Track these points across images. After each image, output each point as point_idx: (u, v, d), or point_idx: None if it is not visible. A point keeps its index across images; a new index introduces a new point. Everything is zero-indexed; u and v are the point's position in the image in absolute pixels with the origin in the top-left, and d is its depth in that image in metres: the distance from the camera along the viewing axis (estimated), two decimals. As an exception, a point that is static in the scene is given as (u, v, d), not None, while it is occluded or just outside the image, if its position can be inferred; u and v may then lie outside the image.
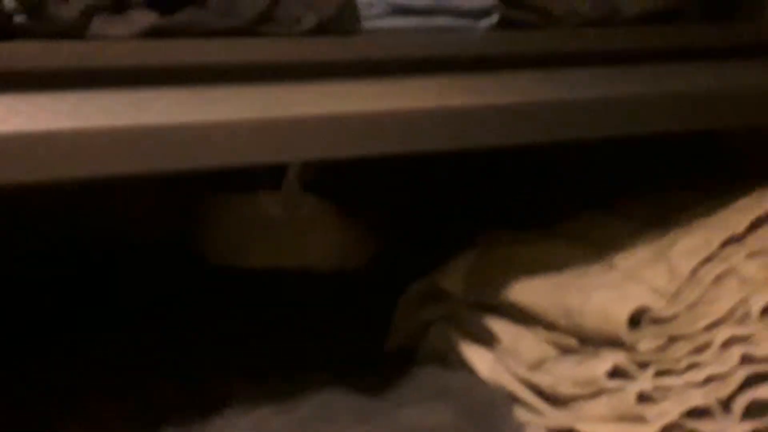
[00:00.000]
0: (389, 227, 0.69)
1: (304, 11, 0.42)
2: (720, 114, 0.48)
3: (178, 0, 0.42)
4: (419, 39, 0.45)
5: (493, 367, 0.54)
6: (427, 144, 0.41)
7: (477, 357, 0.55)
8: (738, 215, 0.54)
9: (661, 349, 0.50)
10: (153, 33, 0.39)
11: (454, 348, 0.56)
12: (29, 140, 0.33)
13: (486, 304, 0.56)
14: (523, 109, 0.43)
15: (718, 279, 0.52)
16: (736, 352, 0.50)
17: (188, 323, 0.61)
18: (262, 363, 0.57)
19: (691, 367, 0.50)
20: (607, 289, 0.51)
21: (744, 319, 0.51)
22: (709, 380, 0.49)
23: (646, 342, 0.50)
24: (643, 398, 0.48)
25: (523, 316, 0.54)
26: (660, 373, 0.49)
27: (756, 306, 0.51)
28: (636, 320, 0.50)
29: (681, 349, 0.50)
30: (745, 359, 0.50)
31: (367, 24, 0.46)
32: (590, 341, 0.51)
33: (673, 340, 0.50)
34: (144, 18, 0.41)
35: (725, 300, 0.51)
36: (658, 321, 0.50)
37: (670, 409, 0.48)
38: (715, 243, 0.52)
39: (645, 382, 0.49)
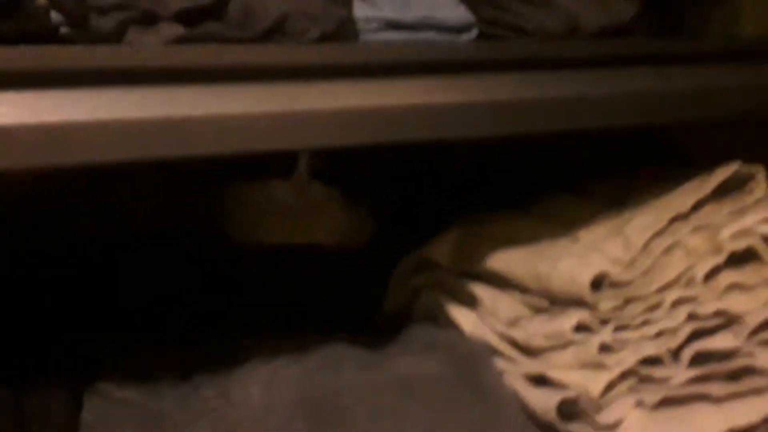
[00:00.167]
0: (386, 210, 0.70)
1: (309, 25, 0.43)
2: (662, 111, 0.49)
3: (200, 14, 0.42)
4: (409, 46, 0.45)
5: (475, 325, 0.55)
6: (415, 135, 0.42)
7: (462, 316, 0.55)
8: (684, 197, 0.54)
9: (619, 308, 0.50)
10: (179, 42, 0.39)
11: (442, 309, 0.57)
12: (72, 129, 0.34)
13: (469, 272, 0.56)
14: (497, 106, 0.44)
15: (667, 250, 0.52)
16: (683, 311, 0.50)
17: (214, 291, 0.61)
18: (278, 323, 0.58)
19: (645, 323, 0.50)
20: (573, 258, 0.52)
21: (689, 283, 0.52)
22: (660, 334, 0.50)
23: (606, 302, 0.50)
24: (603, 349, 0.49)
25: (500, 282, 0.54)
26: (618, 328, 0.50)
27: (700, 272, 0.52)
28: (597, 284, 0.50)
29: (636, 308, 0.50)
30: (691, 317, 0.51)
31: (364, 37, 0.46)
32: (558, 302, 0.52)
33: (629, 300, 0.51)
34: (171, 30, 0.42)
35: (673, 267, 0.52)
36: (616, 285, 0.51)
37: (627, 358, 0.48)
38: (665, 220, 0.53)
39: (605, 335, 0.49)
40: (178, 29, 0.42)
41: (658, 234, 0.52)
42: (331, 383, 0.49)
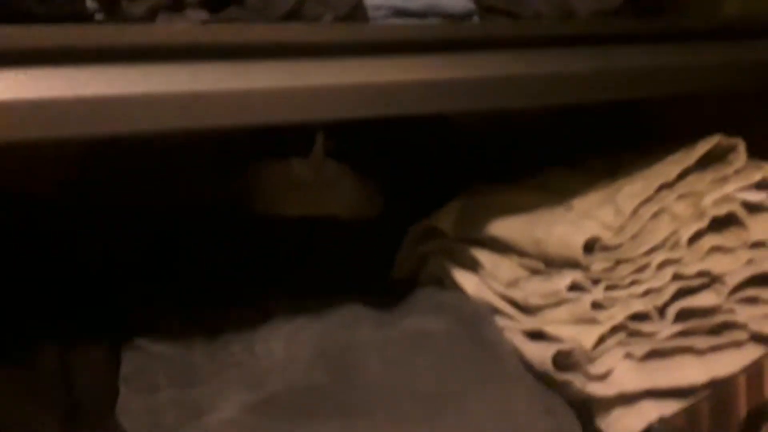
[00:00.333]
0: (394, 185, 0.69)
1: (323, 10, 0.42)
2: (648, 86, 0.48)
3: (223, 0, 0.42)
4: (413, 27, 0.44)
5: (478, 287, 0.54)
6: (419, 108, 0.41)
7: (465, 280, 0.55)
8: (670, 167, 0.54)
9: (610, 269, 0.50)
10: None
11: (447, 274, 0.56)
12: (106, 102, 0.33)
13: (471, 238, 0.56)
14: (492, 81, 0.43)
15: (654, 216, 0.52)
16: (668, 272, 0.50)
17: (240, 258, 0.61)
18: (298, 287, 0.57)
19: (634, 283, 0.50)
20: (567, 224, 0.51)
21: (674, 246, 0.51)
22: (647, 293, 0.50)
23: (598, 264, 0.50)
24: (595, 306, 0.48)
25: (500, 247, 0.54)
26: (609, 288, 0.49)
27: (684, 236, 0.51)
28: (590, 247, 0.50)
29: (625, 269, 0.50)
30: (676, 277, 0.50)
31: (373, 23, 0.45)
32: (554, 264, 0.51)
33: (619, 262, 0.50)
34: (197, 15, 0.41)
35: (660, 232, 0.51)
36: (607, 248, 0.50)
37: (617, 314, 0.48)
38: (652, 188, 0.52)
39: (597, 293, 0.49)
40: (203, 14, 0.41)
41: (646, 201, 0.52)
42: (347, 339, 0.49)
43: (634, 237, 0.51)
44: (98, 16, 0.42)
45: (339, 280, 0.59)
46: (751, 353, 0.50)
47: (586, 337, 0.47)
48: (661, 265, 0.50)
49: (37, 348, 0.46)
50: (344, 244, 0.64)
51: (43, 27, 0.33)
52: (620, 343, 0.48)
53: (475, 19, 0.49)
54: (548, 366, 0.47)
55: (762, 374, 0.49)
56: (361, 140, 0.68)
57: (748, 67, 0.50)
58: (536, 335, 0.50)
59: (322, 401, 0.44)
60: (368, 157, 0.69)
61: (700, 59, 0.48)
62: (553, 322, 0.49)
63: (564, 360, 0.48)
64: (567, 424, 0.46)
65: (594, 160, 0.61)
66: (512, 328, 0.51)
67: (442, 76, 0.41)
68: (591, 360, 0.47)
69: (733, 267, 0.51)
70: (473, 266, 0.55)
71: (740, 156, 0.54)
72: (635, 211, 0.51)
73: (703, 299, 0.50)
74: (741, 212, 0.52)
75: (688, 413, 0.46)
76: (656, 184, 0.52)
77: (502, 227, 0.54)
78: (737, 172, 0.53)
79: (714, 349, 0.50)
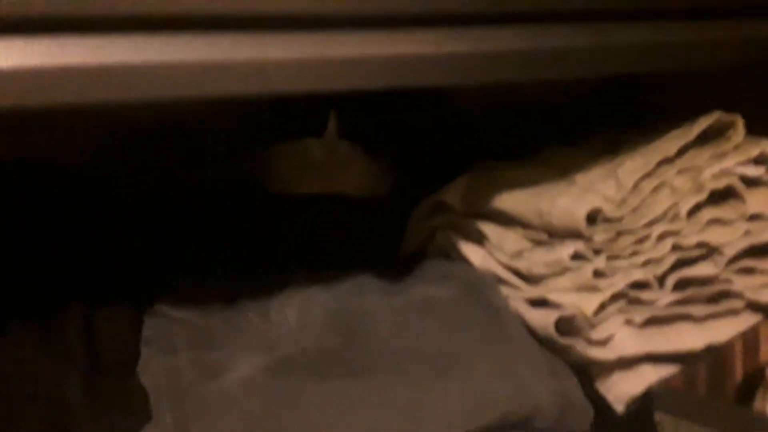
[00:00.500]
0: (404, 165, 0.69)
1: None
2: (647, 62, 0.47)
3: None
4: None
5: (483, 259, 0.54)
6: (426, 80, 0.41)
7: (471, 252, 0.54)
8: (670, 143, 0.53)
9: (611, 240, 0.49)
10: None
11: (454, 247, 0.56)
12: (128, 69, 0.33)
13: (478, 212, 0.55)
14: (498, 55, 0.42)
15: (655, 189, 0.51)
16: (668, 243, 0.49)
17: (257, 233, 0.61)
18: (311, 259, 0.57)
19: (634, 253, 0.49)
20: (570, 196, 0.51)
21: (674, 218, 0.50)
22: (647, 263, 0.49)
23: (600, 235, 0.49)
24: (597, 274, 0.48)
25: (505, 220, 0.54)
26: (610, 258, 0.49)
27: (683, 209, 0.50)
28: (592, 219, 0.49)
29: (626, 240, 0.49)
30: (675, 247, 0.49)
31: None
32: (557, 235, 0.50)
33: (620, 233, 0.50)
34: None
35: (660, 205, 0.50)
36: (608, 220, 0.50)
37: (618, 282, 0.47)
38: (653, 163, 0.52)
39: (599, 262, 0.48)
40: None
41: (647, 176, 0.51)
42: (358, 306, 0.49)
43: (634, 210, 0.50)
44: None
45: (350, 253, 0.59)
46: (747, 321, 0.50)
47: (588, 303, 0.47)
48: (661, 237, 0.49)
49: (63, 312, 0.46)
50: (356, 220, 0.64)
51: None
52: (620, 310, 0.48)
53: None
54: (551, 331, 0.47)
55: (758, 341, 0.49)
56: (373, 122, 0.68)
57: (747, 44, 0.49)
58: (539, 303, 0.49)
59: (334, 362, 0.43)
60: (379, 138, 0.68)
61: (701, 36, 0.47)
62: (555, 290, 0.48)
63: (566, 326, 0.47)
64: (569, 385, 0.45)
65: (596, 139, 0.60)
66: (516, 297, 0.50)
67: (448, 49, 0.40)
68: (592, 326, 0.47)
69: (731, 238, 0.50)
70: (479, 239, 0.55)
71: (739, 132, 0.53)
72: (636, 185, 0.51)
73: (702, 269, 0.50)
74: (739, 186, 0.51)
75: (686, 376, 0.45)
76: (656, 159, 0.52)
77: (507, 201, 0.53)
78: (736, 147, 0.53)
79: (711, 316, 0.49)
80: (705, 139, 0.53)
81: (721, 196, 0.52)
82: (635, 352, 0.47)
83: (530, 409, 0.43)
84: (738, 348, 0.48)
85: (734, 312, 0.50)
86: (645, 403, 0.45)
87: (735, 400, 0.47)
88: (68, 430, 0.39)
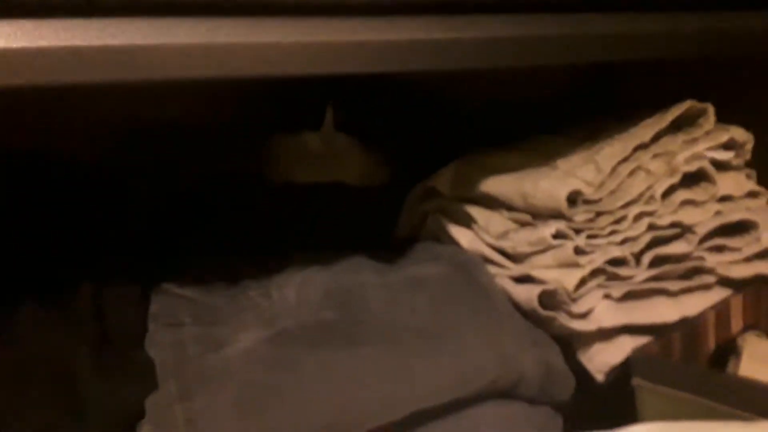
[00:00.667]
0: (398, 155, 0.69)
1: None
2: (623, 50, 0.47)
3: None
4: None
5: (471, 240, 0.53)
6: (417, 65, 0.40)
7: (460, 234, 0.54)
8: (645, 130, 0.53)
9: (591, 220, 0.49)
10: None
11: (444, 230, 0.56)
12: (133, 51, 0.33)
13: (466, 197, 0.55)
14: (486, 42, 0.42)
15: (631, 173, 0.51)
16: (644, 222, 0.49)
17: (260, 219, 0.61)
18: (311, 243, 0.57)
19: (612, 233, 0.49)
20: (552, 179, 0.50)
21: (649, 200, 0.50)
22: (625, 241, 0.49)
23: (580, 215, 0.49)
24: (578, 251, 0.48)
25: (492, 203, 0.53)
26: (590, 237, 0.49)
27: (658, 191, 0.50)
28: (573, 200, 0.49)
29: (605, 220, 0.49)
30: (651, 227, 0.49)
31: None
32: (540, 216, 0.50)
33: (599, 214, 0.49)
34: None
35: (636, 187, 0.50)
36: (588, 202, 0.50)
37: (597, 259, 0.47)
38: (629, 149, 0.51)
39: (579, 240, 0.48)
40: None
41: (624, 160, 0.51)
42: (353, 283, 0.49)
43: (612, 192, 0.50)
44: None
45: (347, 238, 0.59)
46: (718, 295, 0.50)
47: (569, 279, 0.46)
48: (638, 217, 0.49)
49: (74, 289, 0.46)
50: (352, 207, 0.64)
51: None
52: (600, 286, 0.47)
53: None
54: (534, 304, 0.46)
55: (729, 313, 0.48)
56: (368, 115, 0.68)
57: (720, 36, 0.49)
58: (524, 279, 0.49)
59: (330, 334, 0.43)
60: (374, 130, 0.68)
61: (676, 27, 0.47)
62: (539, 267, 0.48)
63: (549, 300, 0.47)
64: (552, 355, 0.45)
65: (576, 128, 0.60)
66: (502, 275, 0.50)
67: (436, 36, 0.40)
68: (573, 300, 0.46)
69: (703, 218, 0.50)
70: (467, 222, 0.54)
71: (709, 119, 0.53)
72: (614, 169, 0.50)
73: (676, 247, 0.49)
74: (710, 169, 0.51)
75: (662, 347, 0.45)
76: (633, 145, 0.51)
77: (493, 185, 0.53)
78: (707, 133, 0.53)
79: (685, 291, 0.49)
80: (678, 126, 0.53)
81: (693, 179, 0.51)
82: (614, 324, 0.46)
83: (515, 377, 0.43)
84: (710, 320, 0.47)
85: (706, 287, 0.49)
86: (623, 370, 0.44)
87: (708, 368, 0.47)
88: (78, 396, 0.39)
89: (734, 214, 0.51)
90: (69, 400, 0.40)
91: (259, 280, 0.51)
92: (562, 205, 0.48)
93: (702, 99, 0.54)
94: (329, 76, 0.39)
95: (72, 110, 0.60)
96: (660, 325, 0.47)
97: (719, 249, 0.50)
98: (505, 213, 0.52)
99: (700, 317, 0.47)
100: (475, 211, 0.54)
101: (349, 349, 0.42)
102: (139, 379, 0.41)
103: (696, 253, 0.50)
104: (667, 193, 0.50)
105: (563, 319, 0.46)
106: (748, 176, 0.54)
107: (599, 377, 0.46)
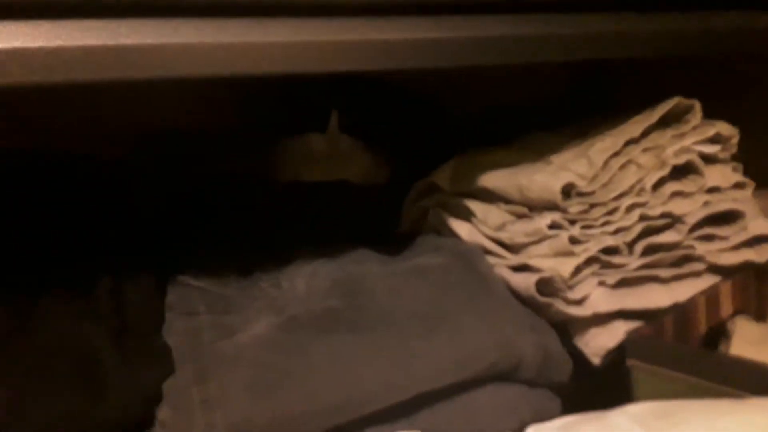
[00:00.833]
0: (400, 156, 0.68)
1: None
2: (614, 48, 0.46)
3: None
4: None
5: (470, 233, 0.53)
6: (411, 64, 0.40)
7: (460, 227, 0.54)
8: (635, 125, 0.52)
9: (585, 211, 0.49)
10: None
11: (444, 224, 0.55)
12: (143, 50, 0.32)
13: (464, 191, 0.55)
14: (475, 41, 0.41)
15: (623, 167, 0.50)
16: (636, 213, 0.49)
17: (269, 216, 0.60)
18: (317, 237, 0.56)
19: (606, 223, 0.48)
20: (547, 173, 0.50)
21: (641, 192, 0.50)
22: (617, 231, 0.48)
23: (574, 207, 0.48)
24: (573, 241, 0.47)
25: (489, 196, 0.53)
26: (584, 227, 0.48)
27: (649, 183, 0.50)
28: (567, 192, 0.49)
29: (598, 211, 0.49)
30: (642, 217, 0.49)
31: None
32: (536, 208, 0.50)
33: (593, 206, 0.49)
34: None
35: (627, 180, 0.50)
36: (582, 194, 0.49)
37: (592, 247, 0.47)
38: (620, 144, 0.51)
39: (574, 230, 0.47)
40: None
41: (615, 154, 0.50)
42: (358, 273, 0.48)
43: (605, 185, 0.49)
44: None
45: (351, 233, 0.58)
46: (708, 281, 0.49)
47: (565, 267, 0.46)
48: (630, 208, 0.48)
49: (94, 280, 0.46)
50: (355, 204, 0.63)
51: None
52: (594, 273, 0.47)
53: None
54: (532, 291, 0.46)
55: (718, 299, 0.47)
56: (371, 117, 0.67)
57: (708, 35, 0.48)
58: (521, 269, 0.48)
59: (336, 321, 0.43)
60: (377, 132, 0.67)
61: (665, 27, 0.46)
62: (535, 256, 0.47)
63: (546, 287, 0.46)
64: (549, 339, 0.44)
65: (568, 126, 0.59)
66: (501, 265, 0.49)
67: (432, 35, 0.40)
68: (569, 287, 0.46)
69: (692, 209, 0.50)
70: (466, 215, 0.54)
71: (697, 115, 0.52)
72: (606, 163, 0.50)
73: (666, 237, 0.49)
74: (698, 162, 0.51)
75: (655, 327, 0.44)
76: (623, 140, 0.51)
77: (491, 180, 0.52)
78: (694, 128, 0.52)
79: (676, 278, 0.48)
80: (666, 121, 0.52)
81: (682, 172, 0.51)
82: (608, 309, 0.45)
83: (514, 361, 0.42)
84: (701, 305, 0.46)
85: (696, 274, 0.49)
86: (618, 353, 0.43)
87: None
88: (101, 381, 0.38)
89: (722, 204, 0.50)
90: (92, 386, 0.39)
91: (269, 272, 0.50)
92: (557, 196, 0.47)
93: (689, 95, 0.53)
94: (334, 81, 0.38)
95: (99, 116, 0.60)
96: (653, 310, 0.46)
97: (708, 238, 0.50)
98: (503, 206, 0.52)
99: (691, 303, 0.47)
100: (473, 204, 0.53)
101: (355, 335, 0.41)
102: (158, 365, 0.40)
103: (686, 242, 0.49)
104: (658, 185, 0.49)
105: (560, 305, 0.45)
106: (734, 169, 0.53)
107: (595, 360, 0.45)
